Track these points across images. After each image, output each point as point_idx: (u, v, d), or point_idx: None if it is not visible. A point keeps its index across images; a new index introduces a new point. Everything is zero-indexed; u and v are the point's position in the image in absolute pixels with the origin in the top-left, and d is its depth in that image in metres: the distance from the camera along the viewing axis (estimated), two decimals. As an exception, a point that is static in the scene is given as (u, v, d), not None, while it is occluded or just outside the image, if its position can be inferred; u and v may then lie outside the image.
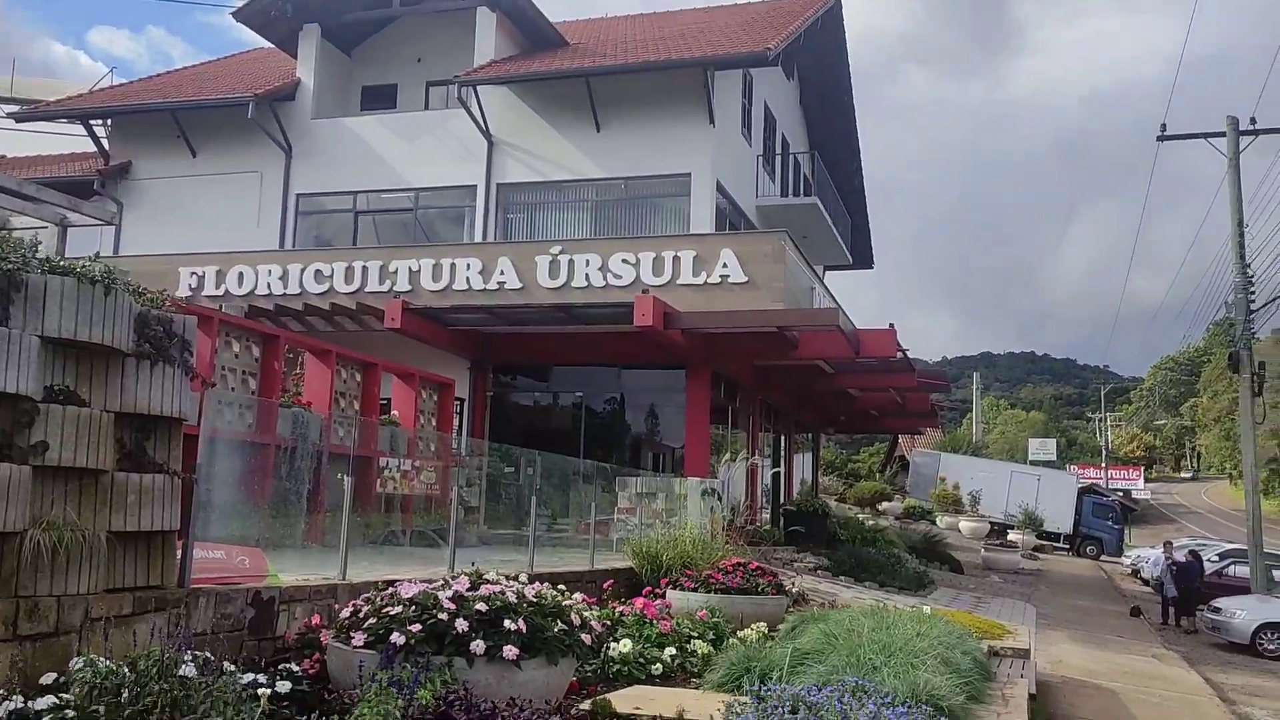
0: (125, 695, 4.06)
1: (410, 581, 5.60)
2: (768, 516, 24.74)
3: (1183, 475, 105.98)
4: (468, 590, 5.43)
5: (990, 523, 40.46)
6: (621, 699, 6.80)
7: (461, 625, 5.13)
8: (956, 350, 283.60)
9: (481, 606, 5.25)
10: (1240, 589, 23.83)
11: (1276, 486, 79.49)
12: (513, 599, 5.37)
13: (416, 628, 5.12)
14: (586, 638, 5.53)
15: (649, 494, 17.55)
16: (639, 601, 8.97)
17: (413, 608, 5.27)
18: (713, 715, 5.36)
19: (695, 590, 10.83)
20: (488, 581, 5.62)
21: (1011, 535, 39.18)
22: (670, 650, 8.16)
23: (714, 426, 21.79)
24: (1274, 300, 24.02)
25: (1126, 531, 49.58)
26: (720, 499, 17.87)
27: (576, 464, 19.18)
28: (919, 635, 7.61)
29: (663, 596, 10.90)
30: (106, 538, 5.77)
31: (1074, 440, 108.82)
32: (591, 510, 13.42)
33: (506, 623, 5.20)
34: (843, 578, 19.08)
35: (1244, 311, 24.50)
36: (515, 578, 8.95)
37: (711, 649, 8.57)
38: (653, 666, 7.85)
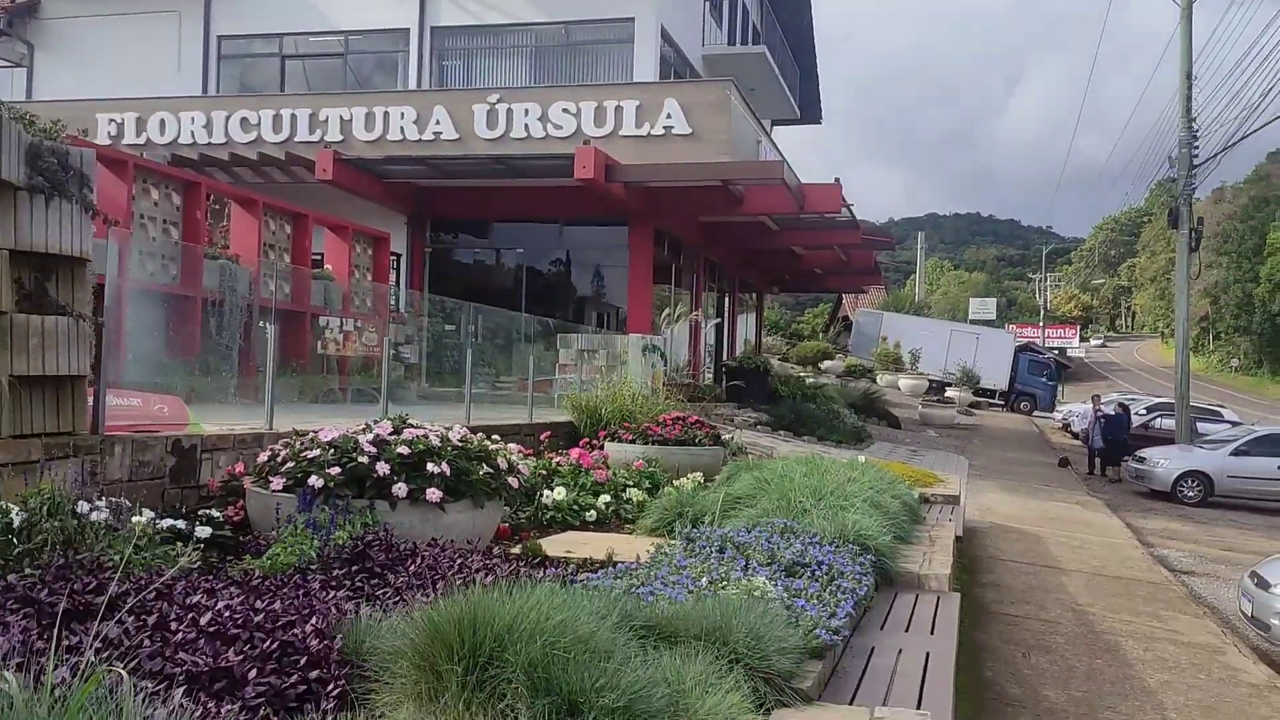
0: (16, 533, 3.90)
1: (333, 428, 5.43)
2: (711, 374, 24.89)
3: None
4: (390, 435, 5.27)
5: (929, 380, 41.23)
6: (553, 543, 6.80)
7: (382, 468, 4.99)
8: (903, 212, 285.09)
9: (404, 450, 5.10)
10: (1165, 440, 24.68)
11: (1205, 345, 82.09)
12: (436, 443, 5.23)
13: (335, 471, 4.98)
14: (513, 481, 5.43)
15: (590, 351, 17.48)
16: (575, 452, 8.93)
17: (332, 451, 5.11)
18: (639, 556, 5.35)
19: (633, 442, 10.84)
20: (411, 426, 5.47)
21: (949, 392, 40.02)
22: (605, 498, 8.16)
23: (658, 285, 21.63)
24: (1216, 155, 24.10)
25: (1060, 388, 50.88)
26: (662, 356, 17.86)
27: (518, 321, 19.01)
28: (850, 481, 7.68)
29: (601, 449, 10.91)
30: (9, 382, 5.51)
31: (1014, 300, 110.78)
32: (529, 366, 13.28)
33: (429, 466, 5.07)
34: (782, 432, 19.37)
35: (1187, 166, 24.57)
36: (449, 429, 8.85)
37: (647, 497, 8.60)
38: (587, 514, 7.85)
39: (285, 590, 3.59)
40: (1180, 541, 15.34)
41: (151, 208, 12.56)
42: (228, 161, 19.51)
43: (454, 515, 5.13)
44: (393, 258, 18.83)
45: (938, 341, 43.59)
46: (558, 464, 9.13)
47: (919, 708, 3.70)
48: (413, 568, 4.05)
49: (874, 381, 39.53)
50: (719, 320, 27.81)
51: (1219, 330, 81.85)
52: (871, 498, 7.36)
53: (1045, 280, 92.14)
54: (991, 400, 44.48)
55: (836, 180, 20.25)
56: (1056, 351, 65.22)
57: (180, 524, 5.37)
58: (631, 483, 8.97)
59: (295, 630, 3.02)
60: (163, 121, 20.57)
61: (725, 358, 27.27)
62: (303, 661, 2.88)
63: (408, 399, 16.58)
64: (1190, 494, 20.46)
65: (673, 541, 5.94)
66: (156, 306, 11.18)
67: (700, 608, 3.74)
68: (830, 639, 4.09)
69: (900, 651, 4.64)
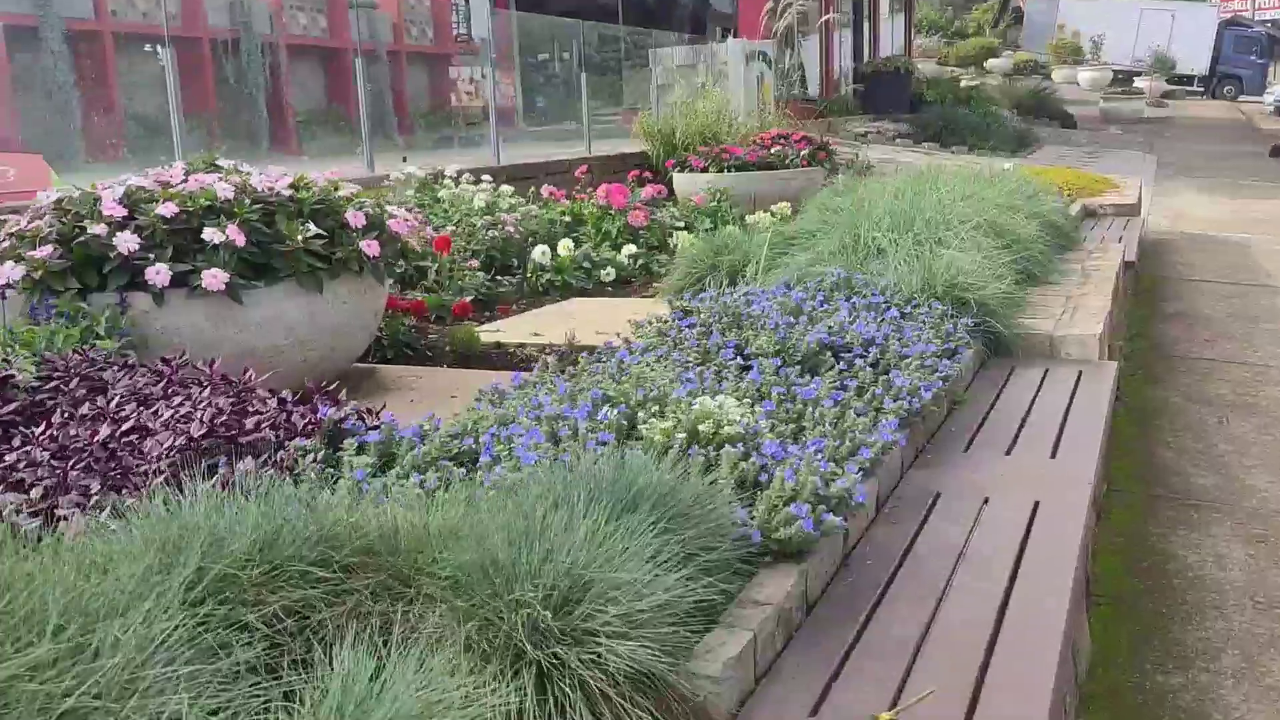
0: None
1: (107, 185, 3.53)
2: (851, 88, 21.74)
3: None
4: (179, 184, 3.38)
5: (1114, 71, 36.31)
6: (528, 321, 4.96)
7: (128, 243, 3.12)
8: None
9: (168, 210, 3.20)
10: None
11: None
12: (227, 194, 3.29)
13: (48, 250, 3.13)
14: (370, 248, 3.45)
15: (688, 66, 14.88)
16: (602, 189, 6.89)
17: (54, 214, 3.25)
18: (577, 350, 3.42)
19: (705, 170, 8.69)
20: (216, 168, 3.55)
21: (1138, 82, 35.07)
22: (630, 249, 6.16)
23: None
24: None
25: (1272, 67, 44.06)
26: (772, 65, 15.08)
27: (613, 37, 16.55)
28: (964, 199, 5.38)
29: (666, 181, 8.84)
30: None
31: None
32: (582, 88, 11.09)
33: (208, 233, 3.17)
34: (927, 144, 16.73)
35: None
36: (459, 174, 6.92)
37: (697, 241, 6.56)
38: (603, 271, 5.90)
39: None
40: None
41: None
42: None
43: (272, 307, 3.27)
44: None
45: (1125, 24, 37.96)
46: (593, 205, 7.13)
47: (981, 684, 1.68)
48: (58, 418, 2.28)
49: (1047, 78, 34.84)
50: (842, 17, 23.99)
51: None
52: (992, 221, 5.10)
53: (1260, -60, 79.40)
54: (1189, 88, 38.91)
55: None
56: (1269, 24, 56.45)
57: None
58: (682, 224, 6.91)
59: None
60: None
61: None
62: None
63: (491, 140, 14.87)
64: None
65: (662, 316, 3.94)
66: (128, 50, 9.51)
67: (505, 506, 1.80)
68: (815, 529, 2.09)
69: (986, 503, 2.61)
